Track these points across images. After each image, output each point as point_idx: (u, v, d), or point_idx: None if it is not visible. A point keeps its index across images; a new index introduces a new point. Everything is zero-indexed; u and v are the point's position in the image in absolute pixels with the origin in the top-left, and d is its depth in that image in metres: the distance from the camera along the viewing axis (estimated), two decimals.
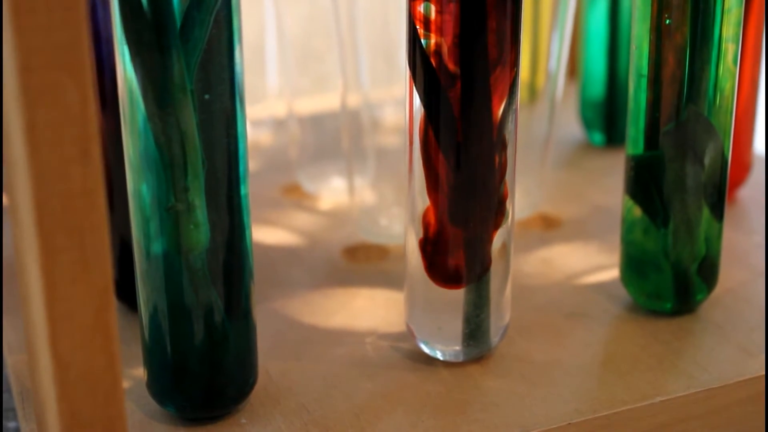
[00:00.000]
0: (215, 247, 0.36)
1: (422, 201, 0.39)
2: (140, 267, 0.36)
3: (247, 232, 0.37)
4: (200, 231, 0.35)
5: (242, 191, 0.36)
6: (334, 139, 0.57)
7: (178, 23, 0.33)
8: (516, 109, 0.38)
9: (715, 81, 0.41)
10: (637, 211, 0.43)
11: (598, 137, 0.64)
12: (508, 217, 0.39)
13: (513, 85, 0.38)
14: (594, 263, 0.49)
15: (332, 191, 0.57)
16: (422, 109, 0.38)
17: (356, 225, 0.52)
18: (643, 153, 0.42)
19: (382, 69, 0.53)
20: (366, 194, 0.52)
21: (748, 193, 0.57)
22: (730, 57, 0.41)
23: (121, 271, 0.44)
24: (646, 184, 0.42)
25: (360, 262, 0.50)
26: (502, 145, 0.38)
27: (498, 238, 0.39)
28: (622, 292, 0.46)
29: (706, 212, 0.43)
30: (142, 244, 0.36)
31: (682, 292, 0.44)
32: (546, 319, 0.44)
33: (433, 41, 0.37)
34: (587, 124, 0.64)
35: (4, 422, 0.42)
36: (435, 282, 0.39)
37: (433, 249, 0.39)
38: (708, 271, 0.44)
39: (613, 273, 0.48)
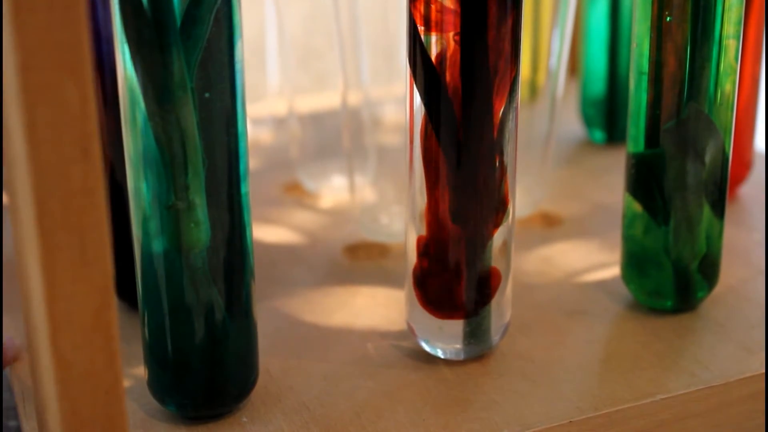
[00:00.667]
0: (216, 245, 0.36)
1: (423, 199, 0.39)
2: (141, 265, 0.36)
3: (247, 231, 0.37)
4: (201, 229, 0.35)
5: (243, 189, 0.36)
6: (335, 137, 0.57)
7: (179, 21, 0.33)
8: (517, 107, 0.38)
9: (715, 78, 0.41)
10: (638, 209, 0.43)
11: (598, 135, 0.64)
12: (508, 215, 0.39)
13: (514, 83, 0.37)
14: (595, 261, 0.49)
15: (333, 189, 0.57)
16: (423, 107, 0.38)
17: (357, 223, 0.52)
18: (643, 151, 0.42)
19: (382, 67, 0.53)
20: (367, 192, 0.52)
21: (749, 190, 0.57)
22: (731, 54, 0.41)
23: (121, 270, 0.44)
24: (647, 181, 0.42)
25: (361, 261, 0.50)
26: (503, 143, 0.38)
27: (499, 236, 0.39)
28: (623, 290, 0.46)
29: (706, 210, 0.43)
30: (143, 243, 0.36)
31: (683, 289, 0.44)
32: (547, 317, 0.44)
33: (433, 39, 0.37)
34: (588, 121, 0.64)
35: (4, 421, 0.42)
36: (427, 308, 0.40)
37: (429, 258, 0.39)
38: (709, 268, 0.44)
39: (614, 271, 0.48)
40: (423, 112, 0.38)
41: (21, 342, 0.41)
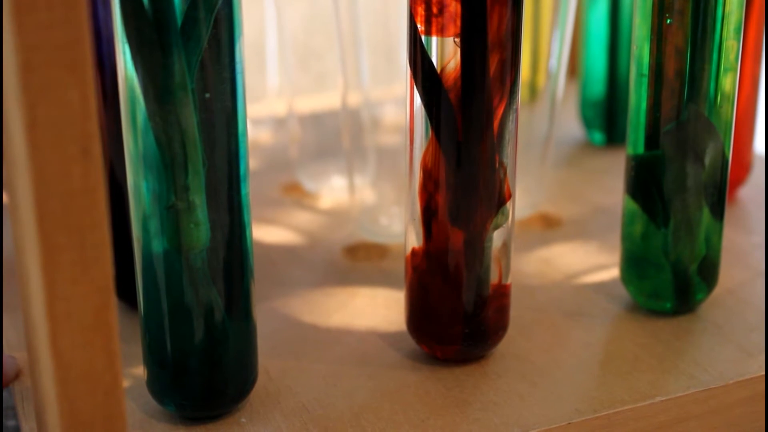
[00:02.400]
0: (215, 245, 0.36)
1: (422, 200, 0.39)
2: (140, 265, 0.36)
3: (247, 231, 0.37)
4: (200, 230, 0.35)
5: (243, 190, 0.36)
6: (335, 137, 0.57)
7: (179, 22, 0.33)
8: (516, 109, 0.38)
9: (715, 81, 0.41)
10: (638, 211, 0.43)
11: (598, 137, 0.64)
12: (508, 217, 0.39)
13: (513, 84, 0.37)
14: (594, 263, 0.49)
15: (332, 190, 0.57)
16: (423, 109, 0.38)
17: (356, 224, 0.52)
18: (643, 153, 0.42)
19: (382, 67, 0.53)
20: (366, 193, 0.52)
21: (748, 192, 0.57)
22: (731, 56, 0.41)
23: (121, 270, 0.44)
24: (647, 183, 0.42)
25: (360, 261, 0.50)
26: (503, 145, 0.38)
27: (498, 238, 0.39)
28: (623, 292, 0.46)
29: (706, 212, 0.43)
30: (143, 243, 0.36)
31: (682, 291, 0.44)
32: (546, 319, 0.44)
33: (434, 40, 0.37)
34: (587, 123, 0.64)
35: (3, 421, 0.42)
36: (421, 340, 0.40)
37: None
38: (708, 270, 0.44)
39: (613, 273, 0.48)
40: (423, 113, 0.38)
41: (21, 360, 0.41)
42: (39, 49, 0.26)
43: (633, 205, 0.43)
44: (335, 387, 0.40)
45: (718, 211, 0.43)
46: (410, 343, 0.42)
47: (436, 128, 0.37)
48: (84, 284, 0.28)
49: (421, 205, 0.39)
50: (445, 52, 0.37)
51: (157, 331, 0.36)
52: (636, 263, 0.44)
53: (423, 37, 0.37)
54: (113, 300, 0.29)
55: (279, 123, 0.66)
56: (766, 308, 0.45)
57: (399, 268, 0.48)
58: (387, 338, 0.43)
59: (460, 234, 0.38)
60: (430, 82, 0.37)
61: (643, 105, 0.42)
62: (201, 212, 0.35)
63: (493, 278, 0.40)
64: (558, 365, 0.41)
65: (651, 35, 0.41)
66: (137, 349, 0.39)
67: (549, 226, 0.53)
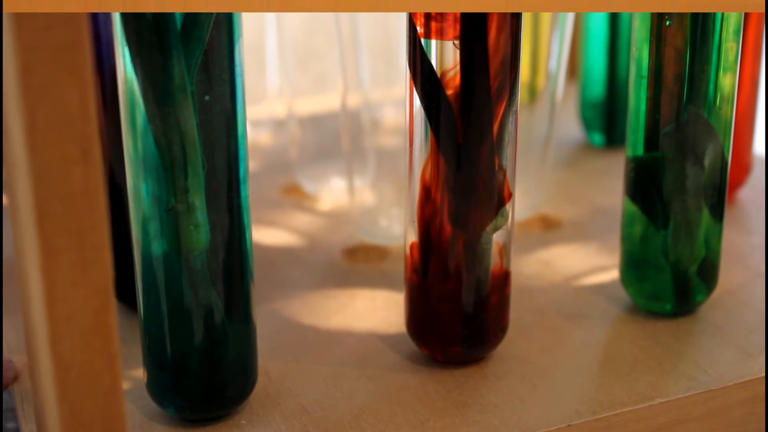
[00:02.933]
0: (215, 247, 0.36)
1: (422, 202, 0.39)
2: (140, 267, 0.36)
3: (247, 233, 0.37)
4: (200, 232, 0.35)
5: (242, 192, 0.36)
6: (334, 139, 0.57)
7: (179, 24, 0.33)
8: (516, 110, 0.38)
9: (715, 82, 0.41)
10: (637, 213, 0.43)
11: (597, 138, 0.64)
12: (507, 218, 0.39)
13: (513, 86, 0.37)
14: (594, 264, 0.49)
15: (332, 192, 0.57)
16: (422, 110, 0.38)
17: (356, 226, 0.52)
18: (643, 154, 0.42)
19: (382, 69, 0.53)
20: (366, 195, 0.52)
21: (748, 194, 0.57)
22: (730, 58, 0.41)
23: (121, 272, 0.44)
24: (646, 185, 0.42)
25: (360, 263, 0.50)
26: (502, 146, 0.38)
27: (498, 239, 0.39)
28: (622, 294, 0.46)
29: (705, 213, 0.43)
30: (142, 245, 0.36)
31: (682, 293, 0.44)
32: (546, 321, 0.44)
33: (433, 43, 0.37)
34: (587, 124, 0.64)
35: (3, 423, 0.42)
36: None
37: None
38: (708, 272, 0.44)
39: (612, 274, 0.48)
40: (422, 115, 0.38)
41: (20, 362, 0.41)
42: (39, 50, 0.26)
43: (632, 207, 0.43)
44: (335, 389, 0.40)
45: (718, 213, 0.43)
46: (410, 344, 0.42)
47: (436, 130, 0.37)
48: (84, 286, 0.28)
49: (421, 207, 0.39)
50: (445, 54, 0.37)
51: (156, 333, 0.36)
52: (636, 265, 0.44)
53: (422, 40, 0.37)
54: (113, 302, 0.29)
55: (279, 124, 0.66)
56: (765, 309, 0.45)
57: (399, 269, 0.48)
58: (387, 340, 0.43)
59: (459, 236, 0.38)
60: (430, 85, 0.37)
61: (643, 107, 0.42)
62: (200, 214, 0.35)
63: (494, 267, 0.40)
64: (558, 367, 0.41)
65: (650, 37, 0.41)
66: (137, 351, 0.39)
67: (549, 228, 0.53)
